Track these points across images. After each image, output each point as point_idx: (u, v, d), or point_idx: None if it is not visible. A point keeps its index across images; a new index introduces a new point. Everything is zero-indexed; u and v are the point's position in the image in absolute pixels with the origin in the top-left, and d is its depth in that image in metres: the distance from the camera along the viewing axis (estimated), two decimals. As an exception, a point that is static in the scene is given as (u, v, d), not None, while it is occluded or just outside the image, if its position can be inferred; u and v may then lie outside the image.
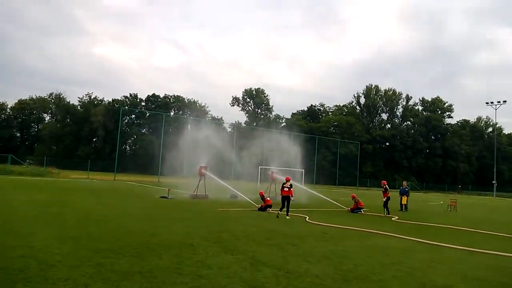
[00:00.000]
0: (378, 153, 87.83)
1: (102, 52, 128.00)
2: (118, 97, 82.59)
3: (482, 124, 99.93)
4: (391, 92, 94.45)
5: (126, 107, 76.28)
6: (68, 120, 78.97)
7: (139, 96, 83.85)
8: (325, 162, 72.12)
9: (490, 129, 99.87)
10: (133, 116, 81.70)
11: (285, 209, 14.69)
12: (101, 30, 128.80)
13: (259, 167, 50.43)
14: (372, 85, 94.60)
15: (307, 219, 14.43)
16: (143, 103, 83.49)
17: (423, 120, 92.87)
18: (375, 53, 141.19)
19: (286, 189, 14.99)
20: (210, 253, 7.55)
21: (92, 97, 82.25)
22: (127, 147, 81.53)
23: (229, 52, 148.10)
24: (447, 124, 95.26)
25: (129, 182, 36.99)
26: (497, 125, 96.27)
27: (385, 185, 19.21)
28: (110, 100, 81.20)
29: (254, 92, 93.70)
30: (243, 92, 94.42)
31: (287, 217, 14.71)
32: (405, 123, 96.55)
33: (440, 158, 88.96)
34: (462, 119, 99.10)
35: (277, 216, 14.52)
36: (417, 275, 6.86)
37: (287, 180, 15.37)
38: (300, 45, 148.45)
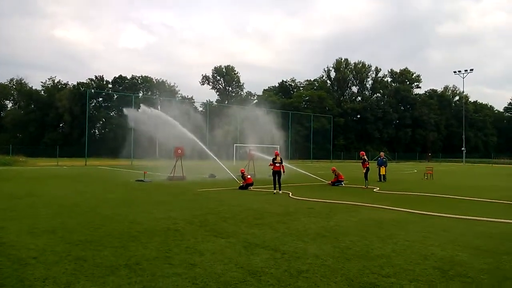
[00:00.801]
0: (350, 126, 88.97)
1: (63, 34, 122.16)
2: (84, 80, 79.27)
3: (449, 93, 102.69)
4: (360, 65, 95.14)
5: (92, 90, 73.36)
6: (32, 106, 75.40)
7: (105, 78, 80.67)
8: (298, 137, 72.31)
9: (457, 98, 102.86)
10: (100, 99, 78.77)
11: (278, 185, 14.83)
12: (61, 11, 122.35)
13: (234, 145, 49.99)
14: (342, 59, 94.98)
15: (290, 194, 14.16)
16: (110, 85, 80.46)
17: (392, 91, 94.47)
18: (342, 27, 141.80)
19: (277, 164, 14.77)
20: (199, 238, 7.06)
21: (55, 82, 78.66)
22: (96, 131, 78.88)
23: (197, 31, 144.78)
24: (415, 94, 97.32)
25: (101, 167, 35.73)
26: (464, 93, 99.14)
27: (363, 155, 19.16)
28: (75, 83, 77.81)
29: (224, 69, 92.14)
30: (212, 70, 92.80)
31: (280, 192, 14.50)
32: (375, 95, 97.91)
33: (410, 128, 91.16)
34: (430, 89, 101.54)
35: (279, 193, 14.60)
36: (416, 247, 6.63)
37: (277, 155, 15.11)
38: (268, 21, 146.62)
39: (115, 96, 75.99)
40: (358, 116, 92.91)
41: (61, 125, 75.70)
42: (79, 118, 68.32)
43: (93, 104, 77.21)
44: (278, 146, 47.82)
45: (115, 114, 77.27)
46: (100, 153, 56.76)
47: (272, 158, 15.48)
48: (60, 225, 7.97)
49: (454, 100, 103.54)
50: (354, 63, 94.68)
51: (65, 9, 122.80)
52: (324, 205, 11.67)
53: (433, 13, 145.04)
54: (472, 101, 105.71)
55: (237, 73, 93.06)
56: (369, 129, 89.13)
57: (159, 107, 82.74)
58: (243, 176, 16.45)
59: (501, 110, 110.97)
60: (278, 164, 15.03)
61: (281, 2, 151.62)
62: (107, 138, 71.25)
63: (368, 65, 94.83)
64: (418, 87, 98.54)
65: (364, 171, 18.48)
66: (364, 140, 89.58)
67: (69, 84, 78.45)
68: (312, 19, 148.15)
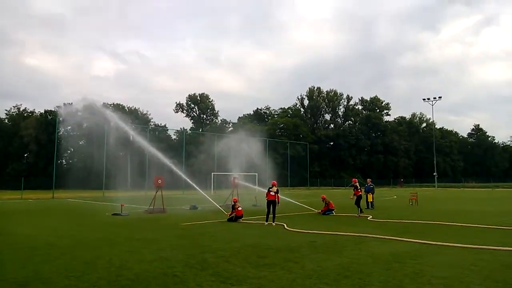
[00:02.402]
0: (324, 153, 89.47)
1: (32, 62, 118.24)
2: (51, 107, 76.30)
3: (417, 120, 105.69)
4: (332, 93, 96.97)
5: (60, 118, 70.58)
6: (-5, 135, 71.47)
7: (75, 106, 77.99)
8: (274, 164, 71.72)
9: (424, 124, 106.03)
10: (69, 127, 75.78)
11: (271, 215, 14.02)
12: (30, 39, 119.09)
13: (212, 173, 48.65)
14: (314, 87, 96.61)
15: (285, 226, 13.21)
16: (79, 113, 77.73)
17: (363, 118, 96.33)
18: (311, 57, 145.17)
19: (272, 193, 13.88)
20: (204, 285, 5.98)
21: (21, 109, 75.26)
22: (63, 161, 75.45)
23: (169, 59, 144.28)
24: (385, 121, 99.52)
25: (70, 199, 33.50)
26: (430, 120, 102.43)
27: (356, 182, 18.53)
28: (42, 111, 74.74)
29: (198, 97, 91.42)
30: (187, 98, 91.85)
31: (273, 224, 13.56)
32: (347, 122, 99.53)
33: (381, 155, 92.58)
34: (399, 116, 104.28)
35: (272, 224, 13.75)
36: (456, 285, 5.85)
37: (273, 185, 14.23)
38: (240, 51, 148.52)
39: (85, 125, 73.33)
40: (332, 143, 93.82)
41: (25, 155, 71.96)
42: (45, 148, 65.26)
43: (61, 133, 74.15)
44: (256, 174, 47.01)
45: (84, 143, 74.36)
46: (68, 184, 53.77)
47: (268, 187, 14.55)
48: (34, 275, 6.66)
49: (421, 126, 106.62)
50: (327, 91, 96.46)
51: (35, 37, 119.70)
52: (326, 238, 10.77)
53: (394, 44, 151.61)
54: (438, 127, 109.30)
55: (211, 101, 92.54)
56: (342, 156, 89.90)
57: (131, 136, 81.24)
58: (233, 207, 15.30)
59: (465, 135, 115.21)
60: (273, 193, 14.12)
61: (251, 33, 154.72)
62: (76, 169, 68.16)
63: (340, 93, 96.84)
64: (387, 114, 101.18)
65: (355, 198, 17.82)
66: (338, 167, 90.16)
67: (35, 112, 75.28)
68: (281, 49, 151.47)
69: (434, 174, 68.55)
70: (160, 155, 27.07)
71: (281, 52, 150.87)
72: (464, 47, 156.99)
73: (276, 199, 14.17)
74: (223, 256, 8.25)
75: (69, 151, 76.30)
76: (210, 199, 21.33)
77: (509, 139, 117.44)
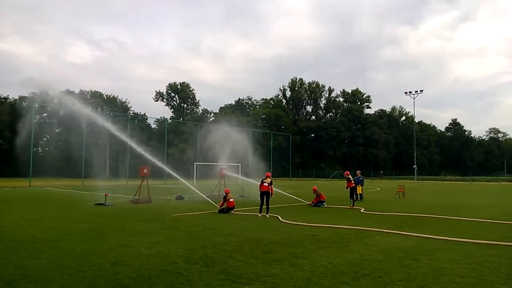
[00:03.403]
0: (306, 144, 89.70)
1: (5, 47, 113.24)
2: (26, 94, 73.39)
3: (396, 113, 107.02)
4: (314, 85, 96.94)
5: (36, 105, 68.02)
6: (-34, 121, 68.35)
7: (50, 93, 75.34)
8: (257, 155, 71.37)
9: (404, 118, 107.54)
10: (45, 114, 73.28)
11: (265, 207, 13.65)
12: (2, 23, 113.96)
13: (195, 163, 47.84)
14: (296, 78, 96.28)
15: (280, 218, 12.80)
16: (55, 100, 75.15)
17: (345, 111, 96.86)
18: (293, 48, 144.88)
19: (266, 184, 13.42)
20: (213, 284, 5.47)
21: (-4, 95, 72.20)
22: (39, 148, 73.00)
23: (149, 47, 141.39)
24: (366, 114, 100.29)
25: (49, 188, 32.20)
26: (410, 114, 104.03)
27: (348, 175, 18.27)
28: (17, 97, 71.89)
29: (179, 86, 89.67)
30: (167, 86, 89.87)
31: (267, 215, 13.14)
32: (328, 114, 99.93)
33: (362, 147, 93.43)
34: (379, 109, 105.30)
35: (266, 216, 13.35)
36: (482, 285, 5.53)
37: (267, 176, 13.76)
38: (221, 40, 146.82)
39: (61, 112, 70.99)
40: (313, 134, 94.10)
41: (-1, 142, 69.29)
42: (21, 135, 62.87)
43: (36, 120, 71.55)
44: (239, 165, 46.47)
45: (61, 130, 72.11)
46: (45, 172, 52.07)
47: (262, 179, 14.06)
48: (20, 272, 5.99)
49: (401, 120, 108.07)
50: (309, 82, 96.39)
51: (7, 21, 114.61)
52: (326, 231, 10.38)
53: (374, 38, 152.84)
54: (417, 121, 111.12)
55: (192, 90, 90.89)
56: (323, 147, 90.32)
57: (109, 125, 79.15)
58: (225, 198, 14.75)
59: (443, 129, 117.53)
60: (267, 184, 13.67)
61: (232, 23, 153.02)
62: (53, 157, 66.07)
63: (321, 85, 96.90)
64: (368, 107, 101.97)
65: (349, 190, 17.58)
66: (319, 158, 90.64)
67: (9, 98, 72.38)
68: (262, 40, 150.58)
69: (414, 166, 69.64)
70: (131, 142, 26.13)
71: (262, 43, 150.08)
72: (442, 42, 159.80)
73: (270, 191, 13.74)
74: (225, 251, 7.74)
75: (45, 139, 73.98)
76: (196, 190, 20.74)
77: (485, 134, 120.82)
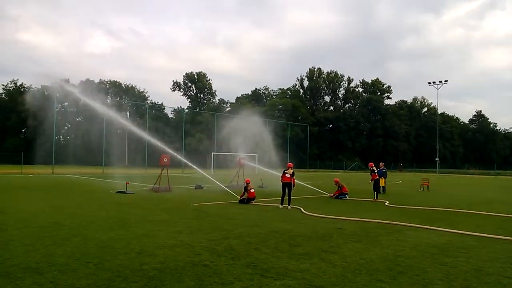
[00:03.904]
0: (323, 135, 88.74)
1: (27, 38, 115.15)
2: (48, 83, 74.58)
3: (418, 104, 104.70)
4: (333, 75, 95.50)
5: (57, 94, 69.09)
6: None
7: (71, 82, 76.36)
8: (274, 146, 71.01)
9: (425, 109, 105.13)
10: (66, 103, 74.34)
11: (286, 198, 13.42)
12: (26, 14, 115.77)
13: (212, 153, 47.83)
14: (315, 68, 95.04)
15: (302, 210, 12.52)
16: (76, 90, 76.18)
17: (364, 101, 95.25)
18: (309, 38, 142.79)
19: (287, 175, 13.14)
20: (243, 279, 5.23)
21: (18, 84, 73.58)
22: (61, 137, 74.31)
23: (166, 38, 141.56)
24: (386, 105, 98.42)
25: (71, 175, 32.70)
26: (432, 105, 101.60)
27: (372, 166, 17.78)
28: (39, 87, 73.10)
29: (195, 76, 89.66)
30: (184, 76, 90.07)
31: (288, 207, 12.89)
32: (347, 105, 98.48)
33: (381, 138, 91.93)
34: (400, 100, 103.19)
35: (288, 208, 13.11)
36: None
37: (289, 167, 13.47)
38: (237, 31, 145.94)
39: (82, 101, 71.92)
40: (331, 125, 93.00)
41: (23, 130, 70.75)
42: (43, 123, 64.08)
43: (58, 109, 72.76)
44: (256, 155, 46.29)
45: (81, 119, 73.20)
46: (67, 160, 53.04)
47: (283, 170, 13.80)
48: (46, 260, 5.88)
49: (423, 111, 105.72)
50: (327, 72, 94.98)
51: (30, 12, 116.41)
52: (353, 225, 10.05)
53: (396, 27, 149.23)
54: (439, 112, 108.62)
55: (208, 80, 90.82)
56: (341, 139, 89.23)
57: (127, 113, 79.87)
58: (246, 188, 14.53)
59: (466, 122, 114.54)
60: (289, 175, 13.38)
61: (248, 12, 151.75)
62: (74, 145, 67.21)
63: (340, 75, 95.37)
64: (388, 97, 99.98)
65: (372, 182, 17.13)
66: (337, 150, 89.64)
67: (32, 88, 73.68)
68: (279, 30, 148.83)
69: (436, 159, 68.09)
70: (143, 133, 25.97)
71: (279, 33, 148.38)
72: (467, 31, 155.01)
73: (292, 182, 13.45)
74: (250, 243, 7.50)
75: (66, 127, 75.20)
76: (214, 180, 20.57)
77: (511, 126, 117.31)
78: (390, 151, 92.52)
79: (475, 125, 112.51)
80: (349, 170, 75.79)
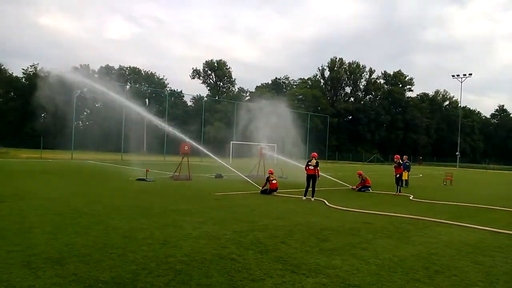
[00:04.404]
0: (342, 127, 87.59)
1: (47, 22, 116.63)
2: (68, 68, 75.49)
3: (440, 97, 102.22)
4: (354, 65, 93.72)
5: (77, 80, 69.90)
6: (12, 94, 71.32)
7: (91, 68, 77.25)
8: (293, 136, 70.51)
9: (447, 102, 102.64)
10: (85, 89, 75.20)
11: (310, 189, 13.15)
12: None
13: (231, 142, 47.68)
14: (336, 58, 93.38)
15: (326, 203, 12.20)
16: (95, 75, 76.96)
17: (385, 93, 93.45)
18: (331, 28, 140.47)
19: (311, 167, 12.83)
20: (273, 275, 4.98)
21: (38, 69, 74.61)
22: (80, 122, 75.38)
23: (186, 25, 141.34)
24: (407, 97, 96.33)
25: (90, 161, 33.07)
26: (454, 98, 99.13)
27: (398, 159, 17.25)
28: (59, 72, 74.07)
29: (215, 64, 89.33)
30: (203, 64, 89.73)
31: (312, 199, 12.61)
32: (368, 96, 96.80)
33: (401, 131, 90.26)
34: (422, 92, 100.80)
35: (311, 200, 12.87)
36: None
37: (313, 157, 13.13)
38: (258, 18, 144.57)
39: (102, 87, 72.65)
40: (350, 117, 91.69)
41: (43, 115, 71.91)
42: (62, 108, 64.97)
43: (77, 95, 73.68)
44: (275, 145, 45.97)
45: (100, 105, 73.96)
46: (85, 145, 53.77)
47: (307, 160, 13.49)
48: (67, 249, 5.74)
49: (444, 104, 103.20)
50: (349, 63, 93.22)
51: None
52: (380, 219, 9.69)
53: (419, 19, 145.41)
54: (461, 106, 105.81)
55: (228, 68, 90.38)
56: (361, 130, 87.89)
57: (147, 100, 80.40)
58: (268, 179, 14.26)
59: (488, 116, 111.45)
60: (313, 167, 13.06)
61: (269, 1, 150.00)
62: (92, 131, 68.09)
63: (362, 66, 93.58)
64: (410, 90, 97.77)
65: (397, 176, 16.64)
66: (356, 141, 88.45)
67: (52, 73, 74.76)
68: (301, 19, 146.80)
69: (457, 153, 66.50)
70: (158, 121, 25.57)
71: (301, 22, 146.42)
72: (491, 24, 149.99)
73: (317, 173, 13.13)
74: (277, 236, 7.25)
75: (85, 113, 76.21)
76: (234, 169, 20.34)
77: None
78: (410, 144, 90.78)
79: (496, 120, 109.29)
80: (368, 162, 74.81)
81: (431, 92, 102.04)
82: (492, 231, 8.70)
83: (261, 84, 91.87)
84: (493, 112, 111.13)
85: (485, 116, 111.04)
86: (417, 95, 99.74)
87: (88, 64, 77.29)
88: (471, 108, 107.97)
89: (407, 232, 8.16)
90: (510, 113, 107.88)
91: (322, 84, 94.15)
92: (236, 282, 4.64)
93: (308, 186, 13.11)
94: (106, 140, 55.93)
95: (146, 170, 17.82)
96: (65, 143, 47.08)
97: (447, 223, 9.48)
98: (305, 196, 13.11)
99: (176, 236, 6.85)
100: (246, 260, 5.58)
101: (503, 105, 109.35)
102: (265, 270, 5.16)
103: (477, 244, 7.32)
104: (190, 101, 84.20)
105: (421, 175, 35.46)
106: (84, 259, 5.27)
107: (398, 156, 17.48)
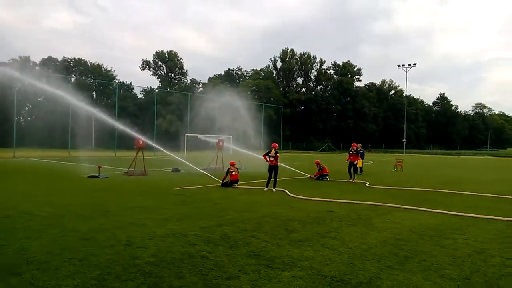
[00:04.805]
0: (295, 117, 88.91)
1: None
2: (5, 60, 70.26)
3: (386, 87, 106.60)
4: (306, 56, 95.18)
5: (18, 73, 65.23)
6: None
7: (32, 59, 72.44)
8: (247, 127, 70.52)
9: (393, 91, 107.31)
10: (26, 82, 70.47)
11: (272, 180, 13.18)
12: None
13: (186, 135, 46.78)
14: (288, 49, 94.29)
15: (288, 193, 12.24)
16: (37, 67, 72.32)
17: (335, 83, 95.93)
18: (283, 18, 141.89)
19: (272, 158, 12.79)
20: (246, 269, 4.84)
21: (-32, 61, 68.75)
22: (21, 118, 70.64)
23: (133, 14, 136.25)
24: (356, 87, 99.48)
25: (34, 158, 31.01)
26: (399, 87, 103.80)
27: (355, 147, 17.63)
28: (-5, 64, 68.75)
29: (166, 55, 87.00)
30: (154, 55, 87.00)
31: (273, 189, 12.58)
32: (319, 87, 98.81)
33: (351, 120, 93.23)
34: (369, 82, 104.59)
35: (273, 190, 12.83)
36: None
37: (274, 147, 13.07)
38: (208, 9, 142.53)
39: (44, 79, 68.36)
40: (302, 107, 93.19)
41: (-23, 111, 66.57)
42: (1, 104, 60.51)
43: (17, 88, 68.84)
44: (231, 137, 45.74)
45: (43, 99, 69.68)
46: (28, 143, 50.45)
47: (267, 151, 13.42)
48: (21, 257, 5.22)
49: (390, 93, 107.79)
50: (300, 53, 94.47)
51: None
52: (342, 207, 9.84)
53: (369, 10, 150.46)
54: (406, 95, 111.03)
55: (180, 59, 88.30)
56: (313, 120, 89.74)
57: (94, 93, 76.78)
58: (228, 170, 14.03)
59: (430, 104, 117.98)
60: (273, 158, 13.05)
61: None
62: (35, 126, 64.04)
63: (313, 56, 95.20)
64: (359, 80, 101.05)
65: (355, 163, 17.05)
66: (308, 131, 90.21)
67: (-13, 65, 69.21)
68: (252, 9, 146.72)
69: (403, 140, 69.92)
70: (105, 117, 24.26)
71: (252, 12, 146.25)
72: (430, 17, 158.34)
73: (277, 164, 13.16)
74: (245, 229, 7.10)
75: (27, 108, 71.52)
76: (189, 163, 19.84)
77: (470, 109, 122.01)
78: (359, 132, 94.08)
79: (438, 107, 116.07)
80: (320, 151, 76.64)
81: (378, 82, 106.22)
82: (448, 214, 9.11)
83: (214, 75, 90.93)
84: (435, 100, 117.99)
85: (428, 104, 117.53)
86: (365, 84, 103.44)
87: (29, 56, 72.48)
88: (414, 97, 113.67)
89: (370, 219, 8.33)
90: (450, 101, 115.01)
91: (274, 75, 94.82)
92: (211, 281, 4.44)
93: (270, 177, 13.08)
94: (51, 136, 52.88)
95: (99, 167, 16.94)
96: (6, 140, 43.94)
97: (406, 208, 9.82)
98: (266, 187, 13.07)
99: (139, 235, 6.49)
100: (218, 257, 5.39)
101: (443, 93, 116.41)
102: (238, 266, 5.00)
103: (437, 227, 7.62)
104: (141, 93, 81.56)
105: (372, 162, 36.79)
106: (41, 267, 4.82)
107: (355, 144, 17.88)
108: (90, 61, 79.70)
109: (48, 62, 73.01)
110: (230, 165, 14.19)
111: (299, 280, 4.52)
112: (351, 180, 16.54)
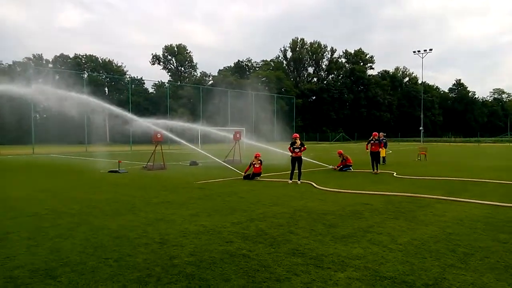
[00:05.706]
0: (307, 107, 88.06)
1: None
2: (19, 59, 70.88)
3: (400, 74, 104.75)
4: (316, 45, 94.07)
5: (31, 70, 65.65)
6: (-42, 87, 66.05)
7: (44, 57, 72.84)
8: (260, 119, 70.05)
9: (407, 79, 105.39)
10: (40, 80, 70.94)
11: (296, 172, 12.74)
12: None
13: (199, 128, 46.44)
14: (298, 38, 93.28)
15: (314, 185, 11.80)
16: (50, 65, 72.69)
17: (347, 72, 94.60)
18: (291, 7, 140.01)
19: (297, 150, 12.36)
20: (295, 270, 4.43)
21: (-16, 59, 69.46)
22: (37, 115, 71.20)
23: (141, 11, 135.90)
24: (369, 75, 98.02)
25: (53, 155, 31.09)
26: (413, 74, 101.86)
27: (377, 136, 16.91)
28: (10, 62, 69.35)
29: (175, 48, 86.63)
30: (163, 49, 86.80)
31: (298, 182, 12.15)
32: (330, 76, 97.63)
33: (364, 109, 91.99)
34: (383, 70, 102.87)
35: (298, 183, 12.38)
36: None
37: (296, 138, 12.63)
38: (214, 2, 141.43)
39: (57, 76, 68.74)
40: (314, 97, 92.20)
41: (-6, 108, 67.29)
42: (16, 101, 60.96)
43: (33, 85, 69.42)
44: (244, 129, 45.33)
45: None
46: (46, 139, 50.83)
47: (291, 142, 12.98)
48: (54, 258, 4.90)
49: (404, 81, 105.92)
50: (310, 43, 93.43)
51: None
52: (378, 199, 9.36)
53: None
54: (420, 82, 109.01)
55: (189, 53, 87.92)
56: (325, 110, 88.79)
57: (106, 89, 76.94)
58: (251, 162, 13.62)
59: (446, 91, 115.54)
60: (298, 150, 12.60)
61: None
62: (51, 123, 64.57)
63: (324, 45, 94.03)
64: (371, 68, 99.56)
65: (377, 152, 16.41)
66: (321, 121, 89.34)
67: (3, 64, 69.80)
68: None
69: (420, 128, 68.65)
70: (119, 110, 23.85)
71: (258, 2, 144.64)
72: (443, 1, 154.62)
73: (301, 155, 12.72)
74: (281, 225, 6.70)
75: (42, 105, 72.06)
76: (210, 155, 19.54)
77: (488, 95, 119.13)
78: (373, 121, 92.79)
79: (454, 94, 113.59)
80: (334, 141, 75.85)
81: (391, 70, 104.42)
82: (494, 205, 8.56)
83: (224, 67, 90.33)
84: (451, 87, 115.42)
85: (444, 91, 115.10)
86: (378, 72, 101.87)
87: (41, 54, 72.91)
88: (430, 84, 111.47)
89: (412, 212, 7.85)
90: (467, 87, 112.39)
91: (285, 65, 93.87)
92: (260, 284, 4.05)
93: (293, 169, 12.65)
94: (66, 132, 53.15)
95: (119, 161, 16.72)
96: (25, 137, 44.25)
97: (445, 199, 9.30)
98: (291, 179, 12.65)
99: (172, 232, 6.14)
100: (260, 256, 5.00)
101: (459, 79, 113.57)
102: (285, 266, 4.60)
103: (486, 220, 7.10)
104: (152, 87, 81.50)
105: (391, 151, 36.04)
106: (77, 268, 4.49)
107: (377, 133, 16.99)
108: (101, 57, 79.77)
109: (60, 60, 73.25)
110: (255, 157, 13.76)
111: (357, 282, 4.11)
112: (374, 171, 15.88)
